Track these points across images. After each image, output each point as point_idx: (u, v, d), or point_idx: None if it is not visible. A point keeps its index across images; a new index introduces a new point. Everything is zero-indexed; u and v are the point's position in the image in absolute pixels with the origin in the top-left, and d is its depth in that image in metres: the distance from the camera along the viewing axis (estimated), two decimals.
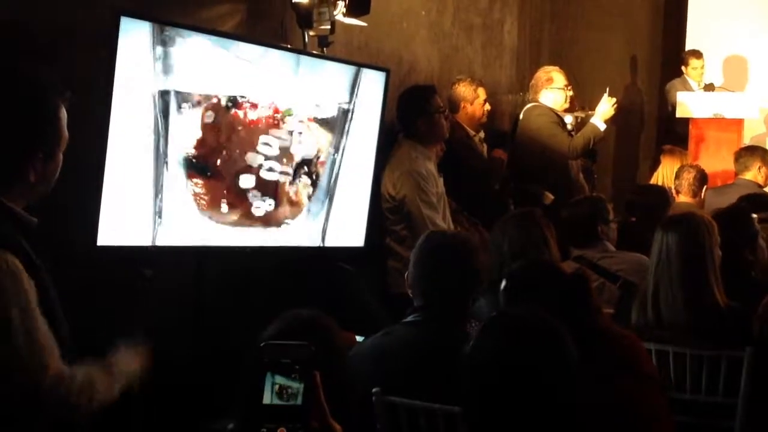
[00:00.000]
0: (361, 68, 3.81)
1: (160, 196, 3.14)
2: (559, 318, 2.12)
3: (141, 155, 3.07)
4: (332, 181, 3.74)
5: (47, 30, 2.97)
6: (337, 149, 3.71)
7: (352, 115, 3.73)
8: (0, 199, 1.96)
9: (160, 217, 3.15)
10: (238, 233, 3.41)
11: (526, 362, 1.70)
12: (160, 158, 3.12)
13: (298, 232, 3.64)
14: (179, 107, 3.14)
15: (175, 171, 3.17)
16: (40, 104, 2.02)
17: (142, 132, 3.06)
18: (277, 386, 1.39)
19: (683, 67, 8.01)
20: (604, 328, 2.64)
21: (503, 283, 2.62)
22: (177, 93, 3.13)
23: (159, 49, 3.05)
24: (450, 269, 2.69)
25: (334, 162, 3.72)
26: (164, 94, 3.10)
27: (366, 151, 3.95)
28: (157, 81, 3.07)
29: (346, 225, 3.90)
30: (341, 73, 3.73)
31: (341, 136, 3.72)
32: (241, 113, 3.33)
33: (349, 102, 3.70)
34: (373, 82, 3.93)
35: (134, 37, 2.98)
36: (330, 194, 3.74)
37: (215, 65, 3.26)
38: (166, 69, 3.08)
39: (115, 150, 2.95)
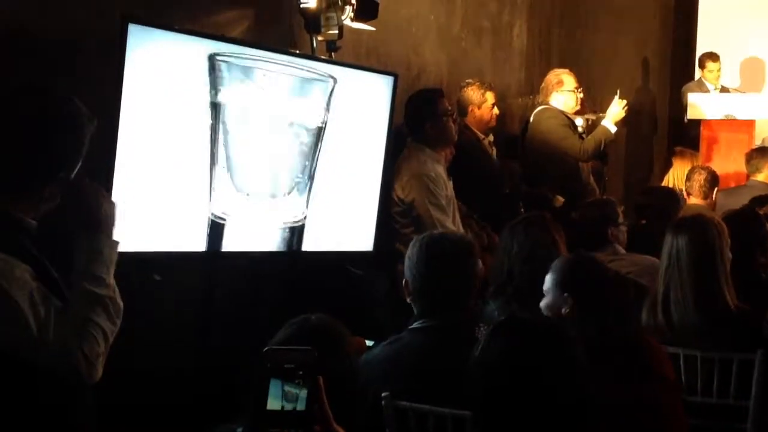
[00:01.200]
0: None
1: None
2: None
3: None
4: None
5: (59, 38, 2.98)
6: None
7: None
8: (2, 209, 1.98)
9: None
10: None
11: (535, 365, 1.69)
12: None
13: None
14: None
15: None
16: (74, 131, 2.05)
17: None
18: (280, 392, 1.39)
19: (700, 70, 7.98)
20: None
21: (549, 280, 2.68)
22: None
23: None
24: (447, 273, 2.67)
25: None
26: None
27: (367, 154, 3.94)
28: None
29: (343, 228, 3.89)
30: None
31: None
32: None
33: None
34: (376, 87, 3.93)
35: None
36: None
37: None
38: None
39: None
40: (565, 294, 2.71)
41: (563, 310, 2.71)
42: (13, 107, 2.02)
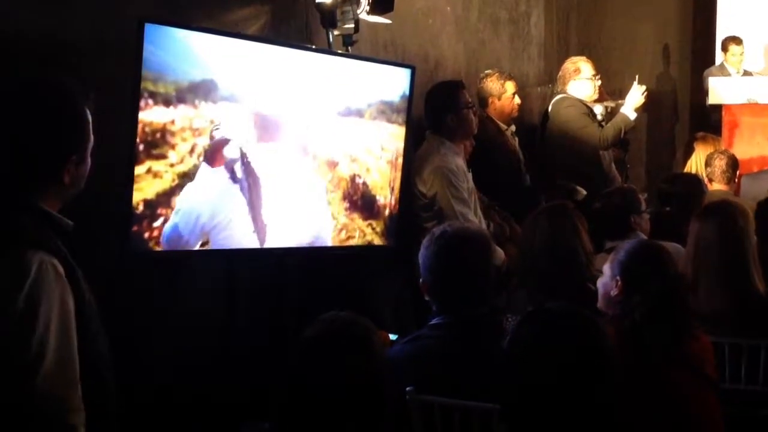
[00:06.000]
0: None
1: None
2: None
3: None
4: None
5: (77, 38, 2.99)
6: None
7: None
8: (38, 204, 1.97)
9: None
10: None
11: (564, 356, 1.68)
12: None
13: None
14: None
15: None
16: (69, 109, 2.03)
17: None
18: None
19: (723, 54, 7.89)
20: None
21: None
22: None
23: None
24: (459, 268, 2.63)
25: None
26: None
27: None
28: None
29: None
30: None
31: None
32: None
33: None
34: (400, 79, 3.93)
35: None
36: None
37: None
38: None
39: None
40: (617, 277, 2.72)
41: (612, 292, 2.73)
42: (3, 103, 2.00)
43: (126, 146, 2.88)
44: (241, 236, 3.35)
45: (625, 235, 3.90)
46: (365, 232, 3.88)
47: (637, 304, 2.63)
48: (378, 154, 3.87)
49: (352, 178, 3.76)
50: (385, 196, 3.95)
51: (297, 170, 3.53)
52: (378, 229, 3.93)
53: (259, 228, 3.41)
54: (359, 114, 3.72)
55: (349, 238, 3.80)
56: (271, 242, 3.45)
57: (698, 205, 3.82)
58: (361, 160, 3.79)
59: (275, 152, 3.42)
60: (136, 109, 2.90)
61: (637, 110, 5.32)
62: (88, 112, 2.06)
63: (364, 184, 3.83)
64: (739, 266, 3.15)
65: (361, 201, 3.82)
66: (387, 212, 3.96)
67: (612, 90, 5.99)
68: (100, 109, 2.11)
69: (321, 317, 1.94)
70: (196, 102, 3.09)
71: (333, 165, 3.66)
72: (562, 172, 5.27)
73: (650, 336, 2.56)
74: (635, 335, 2.56)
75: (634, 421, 2.25)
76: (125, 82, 2.90)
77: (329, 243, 3.69)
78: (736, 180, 5.44)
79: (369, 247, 3.91)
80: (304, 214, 3.58)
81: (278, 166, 3.44)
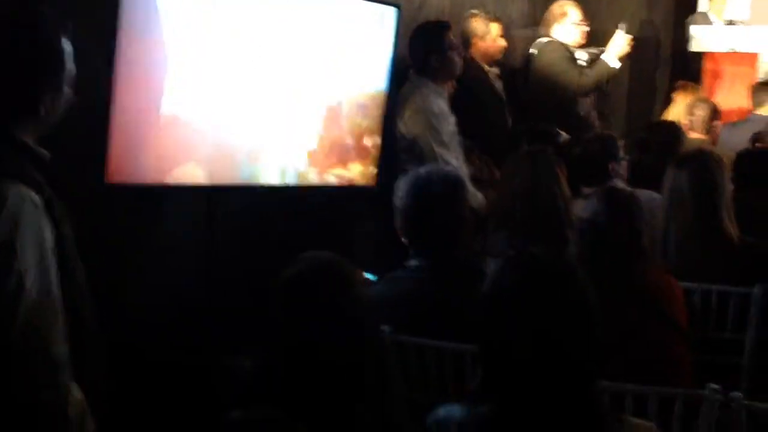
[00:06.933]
0: None
1: None
2: None
3: None
4: None
5: None
6: None
7: None
8: (15, 135, 1.94)
9: None
10: None
11: (547, 300, 1.68)
12: None
13: None
14: None
15: None
16: (44, 39, 1.99)
17: None
18: None
19: (707, 1, 7.84)
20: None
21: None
22: None
23: None
24: (434, 211, 2.64)
25: None
26: None
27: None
28: None
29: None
30: None
31: None
32: None
33: None
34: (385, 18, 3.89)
35: None
36: None
37: None
38: None
39: None
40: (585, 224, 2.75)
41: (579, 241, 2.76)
42: None
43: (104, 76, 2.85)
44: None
45: (603, 182, 3.92)
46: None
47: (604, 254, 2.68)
48: (365, 91, 3.87)
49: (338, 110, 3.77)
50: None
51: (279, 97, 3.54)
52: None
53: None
54: (343, 48, 3.71)
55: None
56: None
57: (676, 153, 3.85)
58: (344, 94, 3.78)
59: (251, 82, 3.42)
60: (115, 37, 2.86)
61: (620, 59, 5.29)
62: (64, 40, 2.02)
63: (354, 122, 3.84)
64: (711, 215, 3.18)
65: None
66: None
67: (594, 31, 5.92)
68: (78, 38, 2.07)
69: (301, 256, 1.95)
70: None
71: (319, 97, 3.67)
72: (542, 115, 5.25)
73: None
74: None
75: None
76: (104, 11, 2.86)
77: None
78: (716, 130, 5.46)
79: (351, 188, 3.91)
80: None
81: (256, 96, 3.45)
